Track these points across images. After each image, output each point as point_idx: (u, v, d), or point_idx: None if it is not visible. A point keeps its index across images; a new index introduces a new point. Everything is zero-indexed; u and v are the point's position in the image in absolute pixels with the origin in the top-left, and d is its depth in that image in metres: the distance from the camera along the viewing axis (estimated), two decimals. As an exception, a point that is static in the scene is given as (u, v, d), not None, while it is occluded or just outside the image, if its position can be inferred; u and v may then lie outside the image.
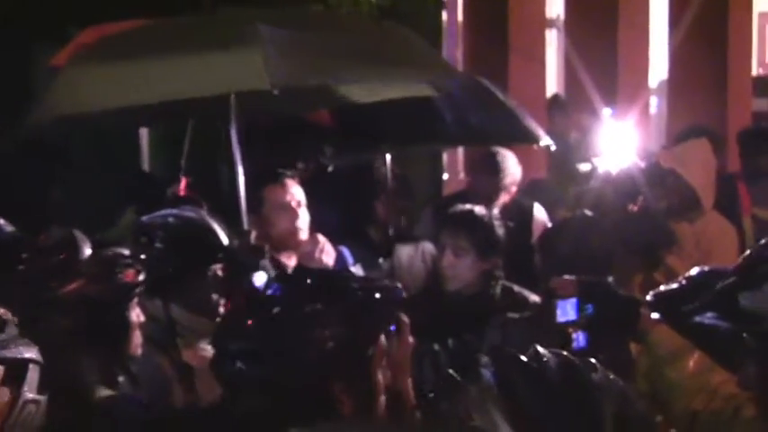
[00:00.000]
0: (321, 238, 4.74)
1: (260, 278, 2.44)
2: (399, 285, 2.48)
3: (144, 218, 3.85)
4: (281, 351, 2.29)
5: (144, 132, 7.85)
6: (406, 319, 2.42)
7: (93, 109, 4.58)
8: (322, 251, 4.70)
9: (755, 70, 16.39)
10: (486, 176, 6.03)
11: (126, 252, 3.01)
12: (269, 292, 2.41)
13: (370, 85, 4.96)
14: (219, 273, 3.76)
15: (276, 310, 2.35)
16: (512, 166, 6.02)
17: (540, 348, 1.67)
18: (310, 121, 6.20)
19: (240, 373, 2.30)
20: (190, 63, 4.48)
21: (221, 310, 3.80)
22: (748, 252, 2.06)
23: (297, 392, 2.27)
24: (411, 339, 2.46)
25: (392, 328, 2.37)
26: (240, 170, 4.44)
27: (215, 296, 3.76)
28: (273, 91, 4.25)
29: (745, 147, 7.79)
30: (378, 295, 2.38)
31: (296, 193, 4.76)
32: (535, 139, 6.05)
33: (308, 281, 2.42)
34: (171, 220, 3.76)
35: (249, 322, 2.37)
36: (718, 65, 13.75)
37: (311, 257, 4.62)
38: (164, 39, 4.75)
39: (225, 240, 3.80)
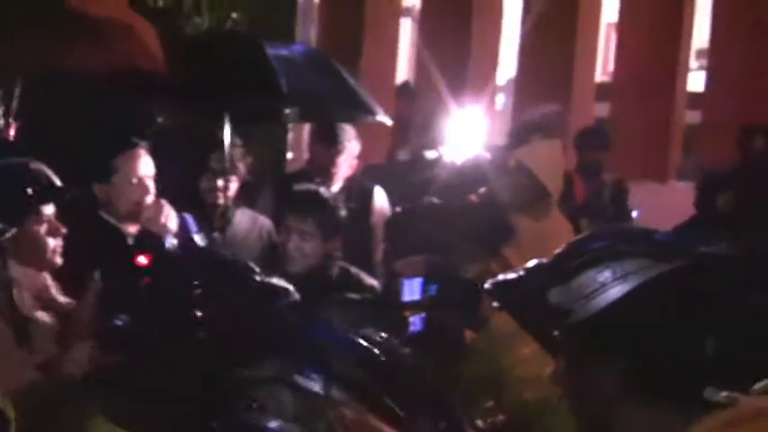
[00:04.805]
0: (164, 202, 4.60)
1: (169, 241, 2.37)
2: (292, 290, 2.41)
3: None
4: (168, 320, 2.21)
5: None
6: None
7: None
8: (167, 217, 4.56)
9: (599, 77, 16.87)
10: (323, 147, 6.00)
11: None
12: (175, 259, 2.32)
13: None
14: (53, 218, 3.67)
15: (177, 279, 2.27)
16: (350, 139, 5.98)
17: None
18: (143, 71, 5.98)
19: (121, 328, 2.21)
20: None
21: (58, 259, 3.70)
22: (558, 250, 2.09)
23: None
24: None
25: None
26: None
27: (51, 242, 3.66)
28: None
29: (578, 145, 8.11)
30: (275, 296, 2.34)
31: (148, 164, 4.61)
32: (372, 113, 6.02)
33: (212, 258, 2.35)
34: None
35: (147, 280, 2.27)
36: (564, 68, 14.07)
37: (155, 223, 4.48)
38: None
39: (57, 182, 3.68)
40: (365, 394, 1.37)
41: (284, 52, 5.77)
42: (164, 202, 4.59)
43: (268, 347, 1.47)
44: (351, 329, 2.97)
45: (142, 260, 2.41)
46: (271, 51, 5.62)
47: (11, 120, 5.28)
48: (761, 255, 2.39)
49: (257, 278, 2.39)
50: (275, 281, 2.48)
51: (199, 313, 2.22)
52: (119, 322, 2.35)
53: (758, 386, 2.19)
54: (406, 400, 1.38)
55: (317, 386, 1.36)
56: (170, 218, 4.55)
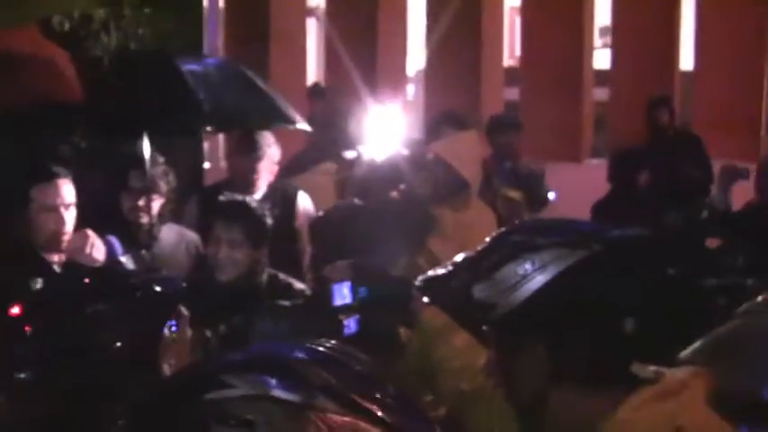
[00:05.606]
0: (90, 233, 4.63)
1: (36, 282, 2.36)
2: (177, 276, 2.47)
3: None
4: (66, 356, 2.23)
5: None
6: (185, 310, 2.42)
7: None
8: (93, 247, 4.59)
9: (506, 61, 17.05)
10: (243, 156, 6.03)
11: None
12: (46, 294, 2.35)
13: None
14: None
15: (56, 313, 2.29)
16: (270, 145, 6.04)
17: None
18: (61, 100, 5.99)
19: (24, 384, 2.23)
20: None
21: None
22: (480, 246, 2.17)
23: (85, 395, 2.23)
24: (189, 330, 2.46)
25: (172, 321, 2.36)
26: None
27: None
28: None
29: (489, 131, 8.26)
30: (158, 289, 2.37)
31: (66, 194, 4.61)
32: (291, 122, 6.07)
33: (86, 280, 2.37)
34: None
35: (28, 328, 2.30)
36: (472, 55, 14.23)
37: (81, 254, 4.51)
38: None
39: None
40: (347, 400, 1.42)
41: (198, 68, 5.80)
42: (89, 231, 4.62)
43: (233, 365, 1.50)
44: (290, 337, 3.04)
45: (15, 311, 2.42)
46: (185, 68, 5.65)
47: None
48: (670, 233, 2.51)
49: (136, 279, 2.41)
50: (155, 274, 2.51)
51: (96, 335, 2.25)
52: (21, 375, 2.35)
53: (683, 354, 2.31)
54: (384, 403, 1.43)
55: (298, 397, 1.41)
56: (96, 247, 4.59)
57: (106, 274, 2.46)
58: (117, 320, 2.28)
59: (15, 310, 2.37)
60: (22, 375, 2.28)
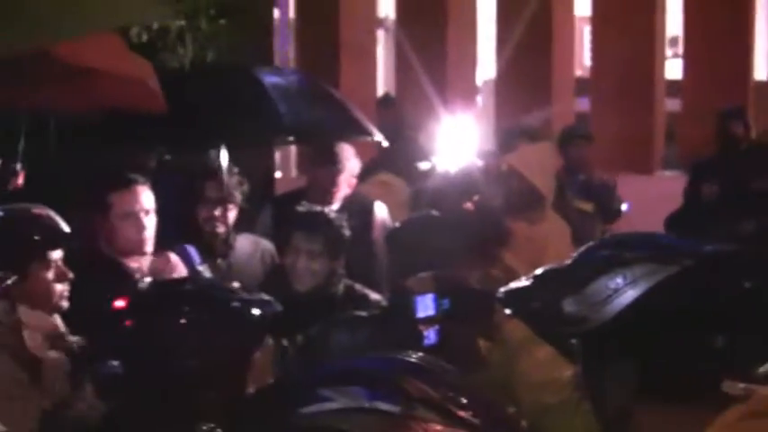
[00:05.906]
0: (172, 256, 4.70)
1: (143, 282, 2.47)
2: (272, 300, 2.52)
3: None
4: (158, 356, 2.29)
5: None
6: None
7: None
8: (173, 271, 4.66)
9: (575, 72, 16.98)
10: (324, 168, 6.07)
11: None
12: (151, 294, 2.42)
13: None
14: (60, 263, 3.77)
15: (158, 315, 2.36)
16: (349, 158, 6.08)
17: None
18: (142, 112, 6.08)
19: (115, 374, 2.30)
20: None
21: (64, 303, 3.80)
22: (567, 262, 2.17)
23: (167, 398, 2.28)
24: (270, 340, 2.50)
25: None
26: None
27: (58, 288, 3.76)
28: None
29: (561, 143, 8.22)
30: (256, 311, 2.42)
31: (145, 200, 4.65)
32: (368, 134, 6.12)
33: (190, 288, 2.44)
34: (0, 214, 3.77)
35: (128, 323, 2.37)
36: (542, 65, 14.19)
37: (164, 277, 4.56)
38: None
39: (64, 228, 3.78)
40: (444, 409, 1.45)
41: (279, 80, 5.89)
42: (171, 255, 4.70)
43: (329, 378, 1.53)
44: (367, 347, 3.07)
45: (120, 304, 2.48)
46: (267, 80, 5.74)
47: (17, 166, 5.35)
48: (750, 246, 2.51)
49: (236, 297, 2.48)
50: (253, 296, 2.58)
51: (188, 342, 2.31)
52: (113, 367, 2.41)
53: (764, 368, 2.29)
54: (477, 412, 1.46)
55: (398, 407, 1.44)
56: (178, 271, 4.66)
57: (207, 286, 2.51)
58: (210, 332, 2.33)
59: (120, 303, 2.44)
60: (114, 364, 2.34)
